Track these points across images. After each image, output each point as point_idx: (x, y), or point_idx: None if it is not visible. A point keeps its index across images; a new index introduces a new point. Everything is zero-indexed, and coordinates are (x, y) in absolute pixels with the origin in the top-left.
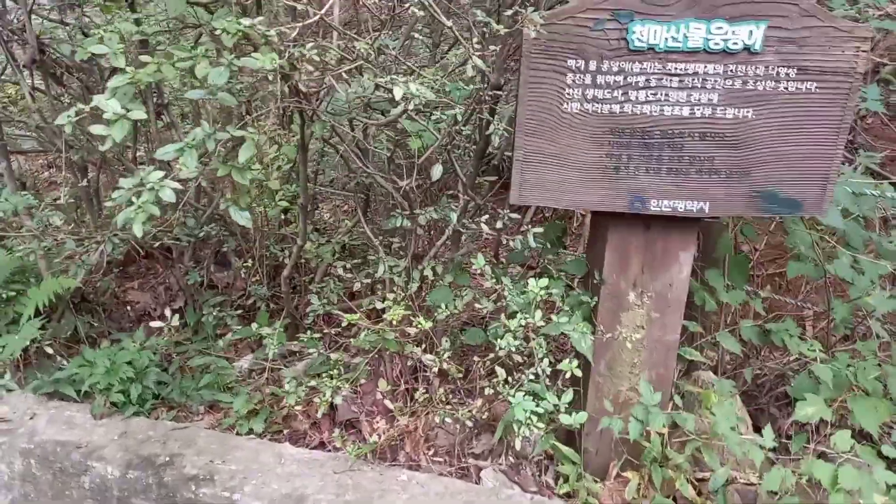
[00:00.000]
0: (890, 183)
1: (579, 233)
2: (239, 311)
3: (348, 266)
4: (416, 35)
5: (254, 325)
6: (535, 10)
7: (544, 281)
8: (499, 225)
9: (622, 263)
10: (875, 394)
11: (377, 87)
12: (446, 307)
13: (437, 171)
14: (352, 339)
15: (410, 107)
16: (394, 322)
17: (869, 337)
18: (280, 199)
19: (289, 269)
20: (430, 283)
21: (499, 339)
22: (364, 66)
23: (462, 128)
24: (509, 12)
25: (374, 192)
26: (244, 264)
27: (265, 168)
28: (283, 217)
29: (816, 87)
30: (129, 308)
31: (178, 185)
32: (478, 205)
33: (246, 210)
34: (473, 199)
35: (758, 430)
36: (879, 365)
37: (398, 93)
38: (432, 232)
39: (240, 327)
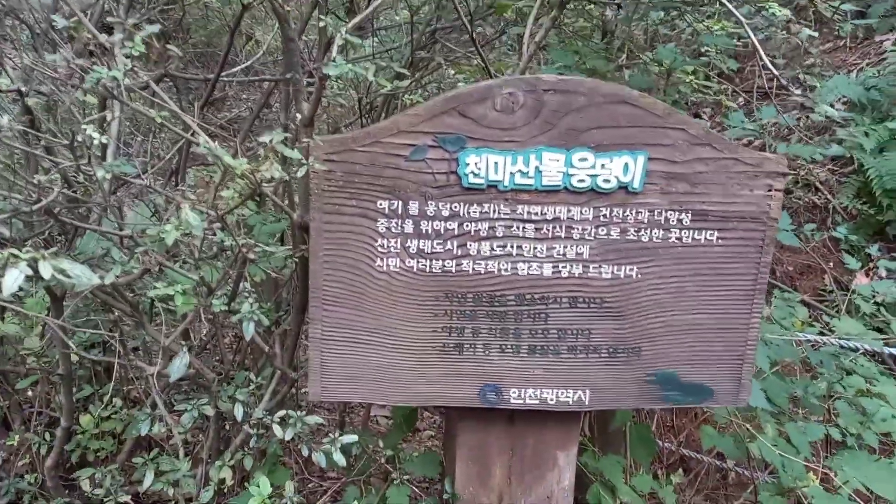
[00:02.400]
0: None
1: None
2: None
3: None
4: None
5: None
6: (310, 132)
7: None
8: (288, 435)
9: (480, 471)
10: None
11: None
12: None
13: (177, 367)
14: None
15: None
16: None
17: None
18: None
19: (53, 456)
20: (231, 488)
21: None
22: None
23: (216, 299)
24: (273, 138)
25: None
26: (9, 442)
27: (19, 323)
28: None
29: (719, 238)
30: None
31: None
32: (291, 382)
33: None
34: (286, 379)
35: None
36: None
37: (8, 281)
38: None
39: None
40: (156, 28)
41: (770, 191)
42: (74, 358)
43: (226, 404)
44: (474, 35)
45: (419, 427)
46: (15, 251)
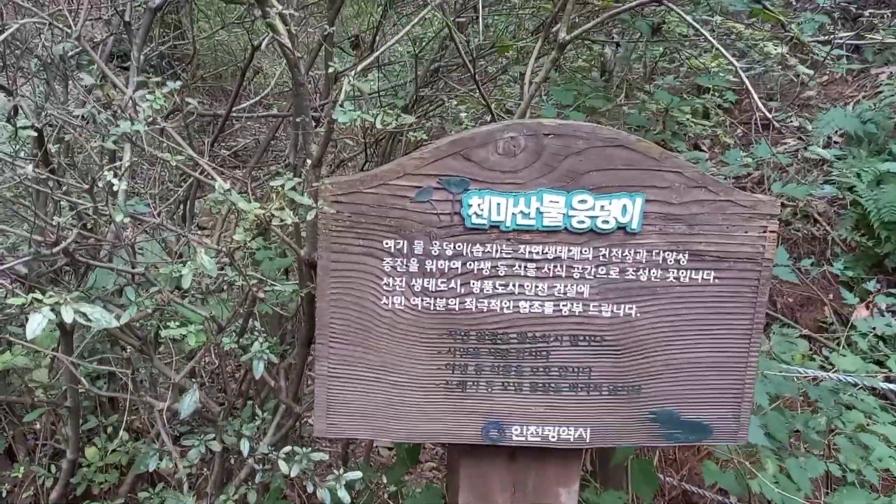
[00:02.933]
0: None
1: None
2: None
3: None
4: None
5: None
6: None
7: None
8: (294, 472)
9: None
10: None
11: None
12: None
13: (188, 405)
14: None
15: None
16: None
17: None
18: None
19: (59, 489)
20: None
21: None
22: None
23: (228, 337)
24: (285, 183)
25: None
26: (14, 473)
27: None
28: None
29: (715, 278)
30: None
31: None
32: (297, 417)
33: None
34: (291, 413)
35: None
36: None
37: (33, 325)
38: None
39: None
40: (177, 84)
41: (764, 231)
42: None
43: (231, 438)
44: (476, 75)
45: (421, 459)
46: (38, 296)
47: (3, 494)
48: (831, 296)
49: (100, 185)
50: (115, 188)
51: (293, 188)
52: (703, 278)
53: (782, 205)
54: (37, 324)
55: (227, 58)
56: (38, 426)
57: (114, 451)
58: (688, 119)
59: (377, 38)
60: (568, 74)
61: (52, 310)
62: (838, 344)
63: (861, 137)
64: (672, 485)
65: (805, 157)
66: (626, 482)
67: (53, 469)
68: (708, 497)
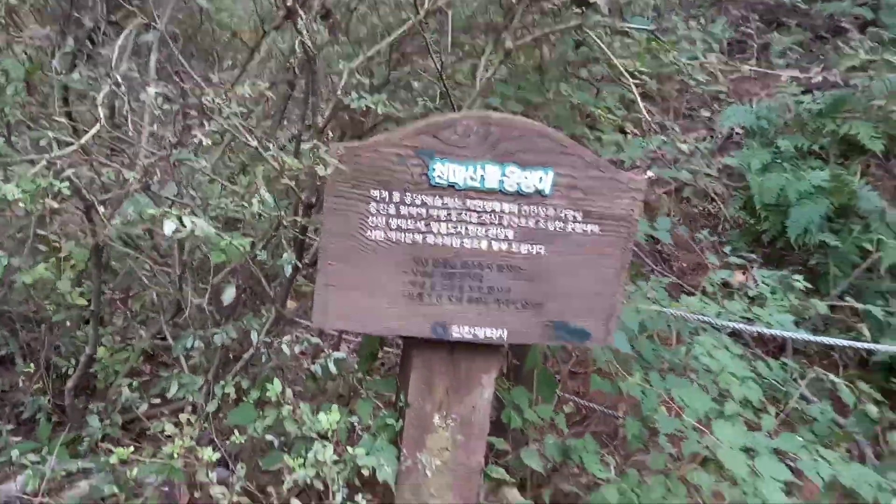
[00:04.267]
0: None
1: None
2: (10, 427)
3: (134, 385)
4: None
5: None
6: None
7: (336, 414)
8: (297, 349)
9: (427, 387)
10: None
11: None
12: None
13: (228, 295)
14: (130, 471)
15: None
16: (181, 450)
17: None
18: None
19: (75, 378)
20: (234, 401)
21: (292, 472)
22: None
23: (260, 251)
24: (307, 146)
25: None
26: (25, 369)
27: (54, 266)
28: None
29: (599, 230)
30: None
31: None
32: (286, 322)
33: None
34: (282, 317)
35: None
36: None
37: (168, 228)
38: (244, 344)
39: (18, 439)
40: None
41: (634, 200)
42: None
43: (232, 333)
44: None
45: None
46: (168, 210)
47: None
48: (718, 262)
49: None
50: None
51: (315, 151)
52: (591, 230)
53: (686, 185)
54: (170, 228)
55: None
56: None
57: (123, 349)
58: (599, 113)
59: (350, 21)
60: (512, 70)
61: (178, 218)
62: (712, 297)
63: (755, 131)
64: (568, 401)
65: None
66: (533, 387)
67: (72, 362)
68: (595, 407)
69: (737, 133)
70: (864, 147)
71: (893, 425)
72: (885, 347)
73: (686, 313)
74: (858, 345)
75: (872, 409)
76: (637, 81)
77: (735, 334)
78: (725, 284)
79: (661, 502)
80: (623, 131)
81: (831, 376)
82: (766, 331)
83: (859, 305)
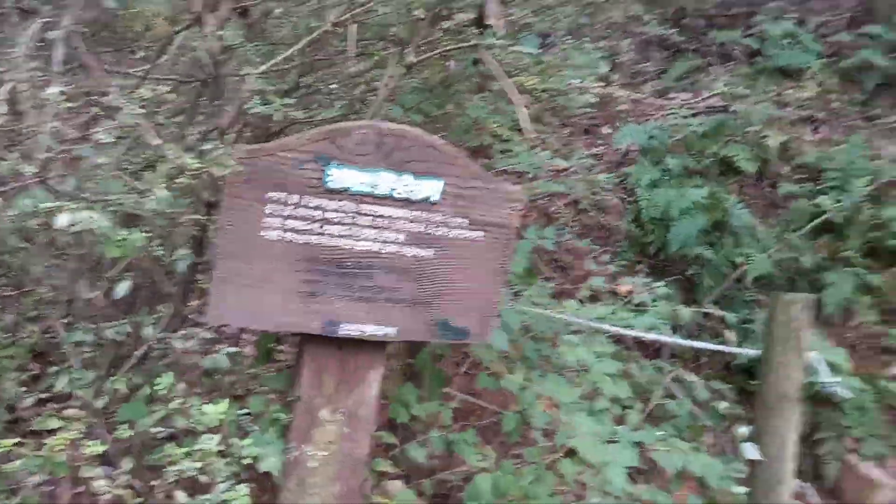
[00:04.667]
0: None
1: None
2: None
3: (23, 378)
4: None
5: None
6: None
7: (223, 405)
8: (189, 344)
9: (318, 381)
10: (535, 500)
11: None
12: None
13: (121, 289)
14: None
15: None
16: (65, 443)
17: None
18: None
19: None
20: (125, 396)
21: (175, 464)
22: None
23: (157, 248)
24: (208, 146)
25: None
26: None
27: None
28: None
29: (482, 236)
30: None
31: None
32: (183, 317)
33: None
34: (179, 314)
35: None
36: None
37: (62, 221)
38: (138, 340)
39: None
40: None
41: (513, 210)
42: None
43: (124, 328)
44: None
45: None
46: (65, 203)
47: None
48: (609, 269)
49: None
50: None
51: (214, 152)
52: (475, 236)
53: (584, 198)
54: (64, 221)
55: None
56: None
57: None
58: (493, 129)
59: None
60: (419, 82)
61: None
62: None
63: (648, 149)
64: (456, 397)
65: (607, 162)
66: (423, 383)
67: None
68: (479, 403)
69: (632, 150)
70: (739, 168)
71: (740, 420)
72: (734, 350)
73: (569, 316)
74: (712, 347)
75: (721, 406)
76: (537, 97)
77: (619, 339)
78: (614, 292)
79: (529, 489)
80: (532, 144)
81: (690, 376)
82: (640, 335)
83: (720, 312)
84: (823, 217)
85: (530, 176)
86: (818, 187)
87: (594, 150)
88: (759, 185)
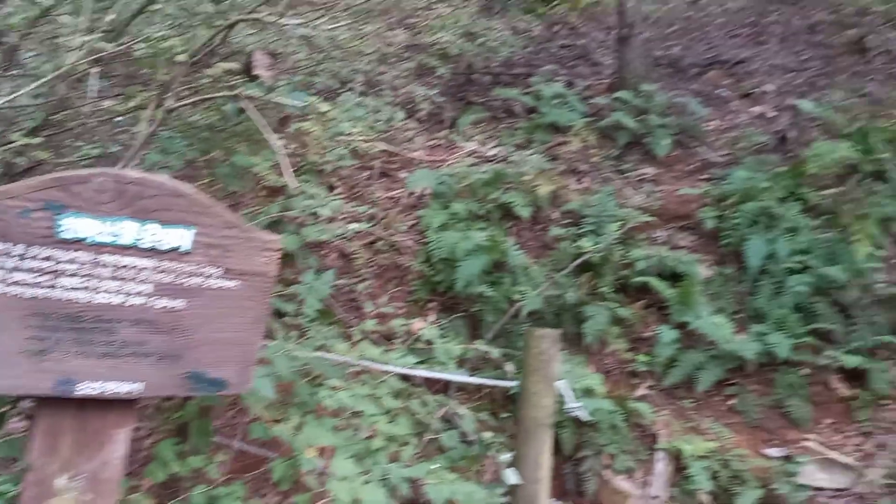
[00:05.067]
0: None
1: None
2: None
3: None
4: None
5: None
6: None
7: None
8: None
9: (52, 446)
10: None
11: None
12: None
13: None
14: None
15: None
16: None
17: None
18: None
19: None
20: None
21: None
22: None
23: None
24: None
25: None
26: None
27: None
28: None
29: (238, 285)
30: None
31: None
32: None
33: None
34: None
35: None
36: None
37: None
38: None
39: None
40: None
41: (270, 258)
42: None
43: None
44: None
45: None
46: None
47: None
48: (404, 310)
49: None
50: None
51: None
52: (231, 285)
53: (380, 239)
54: None
55: None
56: None
57: None
58: (259, 170)
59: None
60: (185, 126)
61: None
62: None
63: (438, 194)
64: (232, 446)
65: (406, 204)
66: (191, 437)
67: None
68: (260, 453)
69: (425, 194)
70: (516, 213)
71: (505, 447)
72: (497, 382)
73: (349, 359)
74: (476, 381)
75: (486, 436)
76: (320, 144)
77: (405, 377)
78: (408, 331)
79: None
80: (331, 188)
81: (461, 409)
82: (416, 372)
83: (486, 348)
84: (584, 257)
85: (324, 217)
86: (580, 231)
87: (390, 194)
88: (533, 229)
